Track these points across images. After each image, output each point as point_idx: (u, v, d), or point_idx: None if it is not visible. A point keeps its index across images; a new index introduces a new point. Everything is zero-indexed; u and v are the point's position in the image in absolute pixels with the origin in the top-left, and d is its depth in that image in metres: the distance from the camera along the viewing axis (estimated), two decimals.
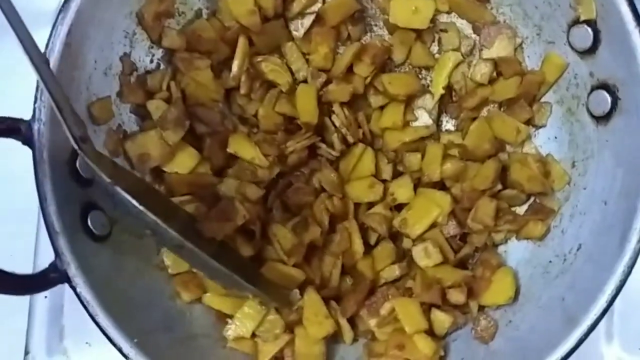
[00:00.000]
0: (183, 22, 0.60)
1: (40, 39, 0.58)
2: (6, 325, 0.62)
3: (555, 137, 0.59)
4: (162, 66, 0.59)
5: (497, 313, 0.56)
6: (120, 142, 0.56)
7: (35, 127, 0.49)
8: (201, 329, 0.55)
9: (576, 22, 0.54)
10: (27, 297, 0.62)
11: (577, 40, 0.54)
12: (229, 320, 0.55)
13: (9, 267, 0.45)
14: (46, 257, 0.48)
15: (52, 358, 0.62)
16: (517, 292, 0.56)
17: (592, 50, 0.53)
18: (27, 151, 0.49)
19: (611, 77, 0.52)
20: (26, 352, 0.62)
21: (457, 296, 0.56)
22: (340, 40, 0.62)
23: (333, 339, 0.57)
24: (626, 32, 0.49)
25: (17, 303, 0.60)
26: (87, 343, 0.61)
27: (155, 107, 0.57)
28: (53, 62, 0.50)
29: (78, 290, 0.47)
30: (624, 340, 0.60)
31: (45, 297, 0.62)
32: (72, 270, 0.48)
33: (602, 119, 0.53)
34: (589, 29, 0.52)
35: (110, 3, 0.53)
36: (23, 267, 0.48)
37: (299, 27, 0.61)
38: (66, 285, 0.47)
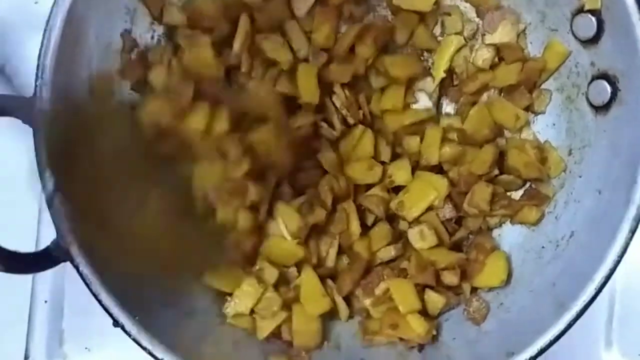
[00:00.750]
0: None
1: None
2: (6, 329, 0.62)
3: (554, 124, 0.59)
4: (162, 43, 0.59)
5: (489, 295, 0.57)
6: None
7: (37, 105, 0.49)
8: (200, 306, 0.56)
9: (580, 10, 0.54)
10: (27, 302, 0.62)
11: (580, 29, 0.54)
12: (228, 298, 0.56)
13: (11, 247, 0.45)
14: (48, 238, 0.48)
15: None
16: (509, 276, 0.57)
17: (594, 39, 0.53)
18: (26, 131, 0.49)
19: (612, 67, 0.52)
20: (26, 357, 0.62)
21: (450, 278, 0.58)
22: (342, 20, 0.61)
23: (329, 316, 0.59)
24: (630, 23, 0.49)
25: (18, 306, 0.60)
26: (86, 348, 0.62)
27: (156, 75, 0.56)
28: (54, 38, 0.49)
29: (80, 268, 0.48)
30: (623, 346, 0.61)
31: (45, 301, 0.62)
32: (75, 249, 0.48)
33: (601, 108, 0.54)
34: (593, 19, 0.52)
35: None
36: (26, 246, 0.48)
37: (301, 6, 0.60)
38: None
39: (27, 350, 0.62)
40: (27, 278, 0.61)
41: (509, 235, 0.60)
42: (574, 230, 0.54)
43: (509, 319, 0.55)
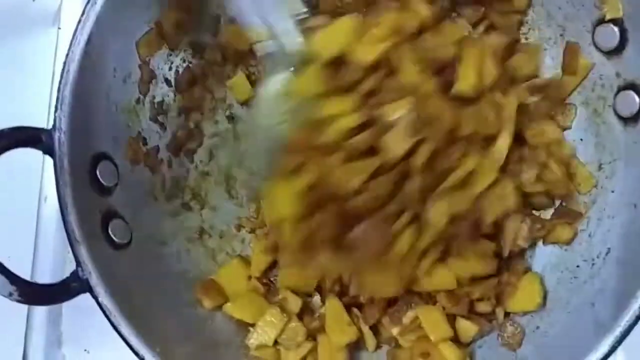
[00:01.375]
0: (201, 29, 0.60)
1: (42, 41, 0.58)
2: (4, 331, 0.61)
3: (581, 139, 0.57)
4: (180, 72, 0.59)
5: (524, 319, 0.55)
6: (139, 149, 0.56)
7: (56, 136, 0.49)
8: (223, 337, 0.55)
9: (601, 21, 0.52)
10: (28, 273, 0.61)
11: (602, 39, 0.53)
12: (251, 329, 0.55)
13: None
14: (46, 264, 0.46)
15: None
16: (544, 298, 0.54)
17: (618, 49, 0.52)
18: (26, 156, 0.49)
19: (639, 77, 0.51)
20: (24, 358, 0.61)
21: (484, 307, 0.55)
22: None
23: (356, 346, 0.57)
24: None
25: (15, 309, 0.58)
26: (85, 350, 0.61)
27: None
28: (73, 71, 0.50)
29: (100, 299, 0.47)
30: (629, 352, 0.56)
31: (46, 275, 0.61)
32: (94, 280, 0.47)
33: (630, 120, 0.52)
34: (615, 28, 0.51)
35: (129, 11, 0.53)
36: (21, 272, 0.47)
37: None
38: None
39: (25, 352, 0.61)
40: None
41: (541, 256, 0.57)
42: (610, 247, 0.52)
43: (547, 343, 0.52)
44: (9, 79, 0.66)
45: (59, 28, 0.66)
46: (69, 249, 0.48)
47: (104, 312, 0.47)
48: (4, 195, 0.63)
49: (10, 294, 0.43)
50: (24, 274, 0.58)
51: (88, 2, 0.50)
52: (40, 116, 0.63)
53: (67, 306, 0.58)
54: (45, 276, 0.61)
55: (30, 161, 0.49)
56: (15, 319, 0.60)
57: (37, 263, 0.62)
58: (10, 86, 0.65)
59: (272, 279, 0.59)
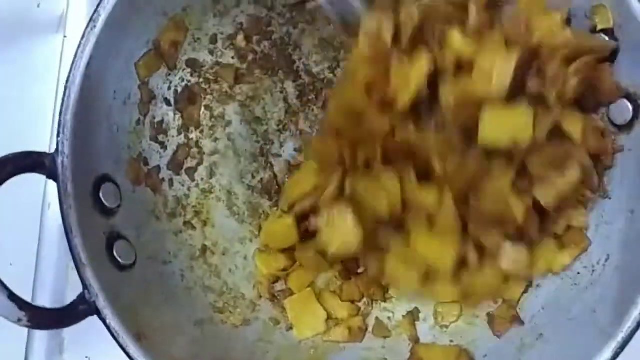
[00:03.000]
0: (199, 47, 0.60)
1: (46, 46, 0.57)
2: (6, 337, 0.60)
3: None
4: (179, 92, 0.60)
5: (528, 326, 0.55)
6: (141, 170, 0.57)
7: (59, 160, 0.49)
8: (232, 356, 0.55)
9: (593, 31, 0.53)
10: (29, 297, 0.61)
11: None
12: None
13: None
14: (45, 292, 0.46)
15: None
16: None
17: (610, 59, 0.53)
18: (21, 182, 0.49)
19: (632, 85, 0.52)
20: None
21: None
22: None
23: None
24: None
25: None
26: (87, 357, 0.61)
27: None
28: (74, 94, 0.50)
29: (108, 321, 0.47)
30: (630, 355, 0.58)
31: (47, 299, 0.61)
32: (101, 302, 0.48)
33: (624, 127, 0.53)
34: (607, 39, 0.52)
35: (128, 33, 0.54)
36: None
37: None
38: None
39: (27, 358, 0.61)
40: (28, 286, 0.61)
41: None
42: (609, 253, 0.52)
43: (549, 350, 0.52)
44: (13, 86, 0.65)
45: (65, 36, 0.65)
46: (71, 264, 0.49)
47: (112, 334, 0.47)
48: (7, 208, 0.62)
49: (19, 320, 0.44)
50: (26, 287, 0.59)
51: (87, 26, 0.51)
52: (44, 125, 0.62)
53: None
54: (46, 293, 0.61)
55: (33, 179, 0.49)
56: (16, 326, 0.61)
57: (38, 279, 0.62)
58: (14, 93, 0.65)
59: (276, 294, 0.60)
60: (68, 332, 0.62)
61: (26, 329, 0.61)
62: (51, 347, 0.61)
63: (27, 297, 0.59)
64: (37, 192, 0.63)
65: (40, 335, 0.61)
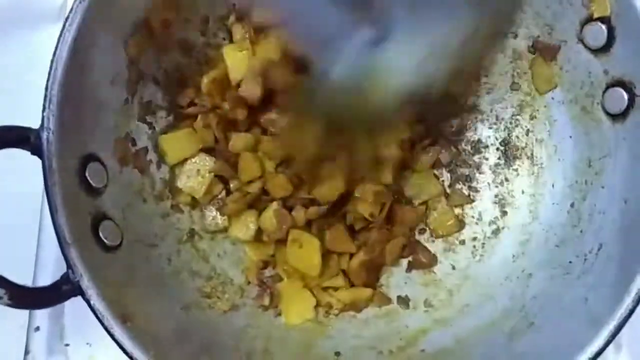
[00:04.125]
0: (190, 27, 0.59)
1: (46, 36, 0.56)
2: (6, 324, 0.60)
3: (570, 137, 0.58)
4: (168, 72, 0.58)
5: (519, 315, 0.55)
6: (128, 150, 0.56)
7: (44, 136, 0.48)
8: (219, 340, 0.54)
9: (589, 19, 0.53)
10: (30, 276, 0.60)
11: (590, 38, 0.54)
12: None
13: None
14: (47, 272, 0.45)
15: (53, 358, 0.61)
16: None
17: (606, 47, 0.52)
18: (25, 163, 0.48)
19: (627, 74, 0.51)
20: (26, 352, 0.60)
21: None
22: None
23: None
24: None
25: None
26: (87, 343, 0.60)
27: None
28: (60, 69, 0.49)
29: (92, 302, 0.46)
30: (632, 350, 0.58)
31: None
32: (85, 282, 0.46)
33: (618, 116, 0.53)
34: (603, 26, 0.52)
35: (118, 10, 0.52)
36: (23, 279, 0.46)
37: None
38: None
39: (27, 345, 0.60)
40: (29, 272, 0.60)
41: (534, 254, 0.58)
42: (602, 242, 0.52)
43: (541, 338, 0.52)
44: (12, 74, 0.64)
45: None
46: None
47: (96, 315, 0.46)
48: (8, 190, 0.61)
49: (0, 298, 0.42)
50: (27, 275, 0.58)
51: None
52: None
53: (70, 300, 0.57)
54: (47, 274, 0.60)
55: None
56: (18, 311, 0.59)
57: (39, 264, 0.61)
58: (13, 82, 0.64)
59: (265, 280, 0.59)
60: (69, 319, 0.61)
61: (27, 316, 0.61)
62: (52, 333, 0.60)
63: (29, 279, 0.60)
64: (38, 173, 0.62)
65: (41, 322, 0.61)
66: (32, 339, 0.60)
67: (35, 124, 0.48)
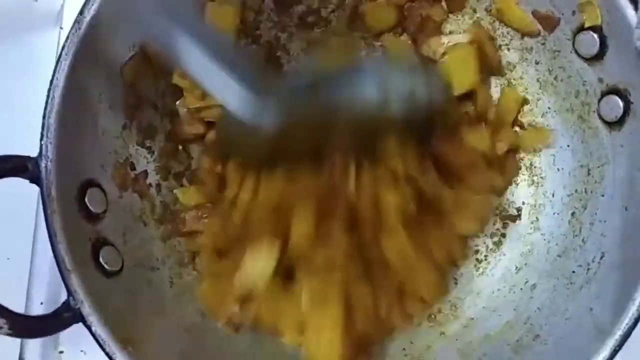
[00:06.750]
0: None
1: (44, 40, 0.56)
2: None
3: (568, 146, 0.58)
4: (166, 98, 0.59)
5: (524, 327, 0.54)
6: (128, 175, 0.56)
7: (43, 164, 0.48)
8: None
9: (581, 29, 0.53)
10: (22, 304, 0.60)
11: (583, 47, 0.54)
12: None
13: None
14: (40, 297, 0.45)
15: None
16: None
17: (599, 56, 0.53)
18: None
19: (621, 81, 0.52)
20: (20, 359, 0.60)
21: None
22: None
23: None
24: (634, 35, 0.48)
25: (13, 308, 0.57)
26: (82, 351, 0.59)
27: None
28: (57, 97, 0.49)
29: (93, 329, 0.46)
30: (628, 355, 0.57)
31: (41, 303, 0.60)
32: (86, 309, 0.46)
33: (615, 124, 0.53)
34: (595, 35, 0.52)
35: (114, 35, 0.53)
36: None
37: None
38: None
39: (21, 352, 0.59)
40: (23, 279, 0.60)
41: (536, 264, 0.57)
42: (604, 251, 0.52)
43: (547, 351, 0.51)
44: (9, 80, 0.64)
45: (61, 28, 0.64)
46: None
47: (98, 342, 0.46)
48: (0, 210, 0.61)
49: (0, 328, 0.42)
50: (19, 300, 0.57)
51: (72, 28, 0.50)
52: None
53: None
54: (41, 295, 0.60)
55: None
56: None
57: (32, 284, 0.61)
58: (10, 87, 0.64)
59: None
60: None
61: None
62: (46, 341, 0.60)
63: (21, 301, 0.59)
64: (31, 194, 0.62)
65: None
66: (26, 346, 0.60)
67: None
